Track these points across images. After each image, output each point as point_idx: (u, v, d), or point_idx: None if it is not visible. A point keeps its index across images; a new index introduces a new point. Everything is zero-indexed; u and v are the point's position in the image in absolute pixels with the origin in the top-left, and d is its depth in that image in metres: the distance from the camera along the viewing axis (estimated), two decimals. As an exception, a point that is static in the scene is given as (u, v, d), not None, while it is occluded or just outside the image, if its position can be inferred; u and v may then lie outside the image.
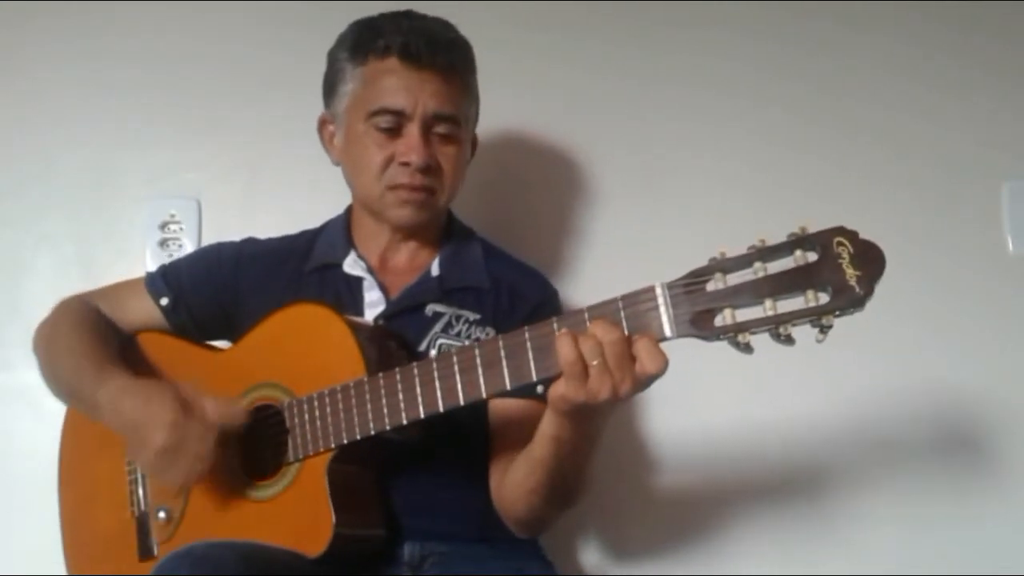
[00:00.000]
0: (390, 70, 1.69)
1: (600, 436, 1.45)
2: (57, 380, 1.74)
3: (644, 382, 1.28)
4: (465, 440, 1.61)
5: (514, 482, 1.56)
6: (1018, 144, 2.22)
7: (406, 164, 1.67)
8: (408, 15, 1.74)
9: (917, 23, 2.26)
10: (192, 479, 1.53)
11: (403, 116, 1.68)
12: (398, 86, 1.68)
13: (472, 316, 1.71)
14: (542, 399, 1.36)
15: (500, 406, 1.65)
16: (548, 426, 1.42)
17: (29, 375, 1.84)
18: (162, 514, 1.65)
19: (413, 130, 1.67)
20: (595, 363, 1.26)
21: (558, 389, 1.31)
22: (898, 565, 2.03)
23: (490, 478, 1.66)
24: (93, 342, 1.70)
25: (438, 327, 1.69)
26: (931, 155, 2.21)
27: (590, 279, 2.13)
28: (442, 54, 1.68)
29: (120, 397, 1.57)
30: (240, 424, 1.54)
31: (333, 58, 1.77)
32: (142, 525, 1.68)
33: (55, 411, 1.81)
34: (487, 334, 1.69)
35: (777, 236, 1.22)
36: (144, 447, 1.52)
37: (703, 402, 2.06)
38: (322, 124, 1.82)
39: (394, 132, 1.69)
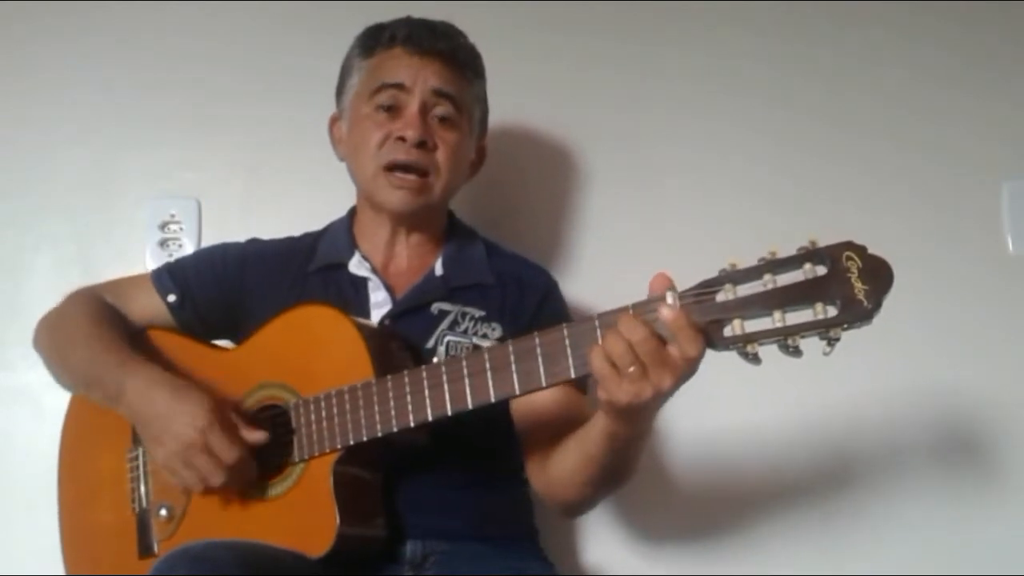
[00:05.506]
0: (394, 56, 1.76)
1: (652, 428, 1.45)
2: (69, 368, 1.73)
3: (686, 370, 1.27)
4: (470, 441, 1.60)
5: (564, 474, 1.58)
6: (1018, 144, 2.23)
7: (402, 139, 1.70)
8: (417, 18, 1.79)
9: (918, 21, 2.26)
10: (204, 485, 1.53)
11: (403, 90, 1.72)
12: (400, 65, 1.74)
13: (477, 313, 1.73)
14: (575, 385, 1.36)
15: (527, 397, 1.63)
16: (602, 425, 1.42)
17: (29, 375, 1.84)
18: (163, 512, 1.65)
19: (412, 107, 1.72)
20: (631, 370, 1.26)
21: (601, 395, 1.32)
22: (902, 565, 2.04)
23: (528, 469, 1.67)
24: (112, 330, 1.70)
25: (444, 325, 1.70)
26: (931, 155, 2.21)
27: (591, 275, 2.13)
28: (443, 40, 1.75)
29: (155, 387, 1.57)
30: (261, 440, 1.55)
31: (345, 60, 1.83)
32: (143, 523, 1.67)
33: (55, 411, 1.81)
34: (493, 329, 1.71)
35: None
36: (165, 440, 1.53)
37: (711, 403, 2.04)
38: (332, 123, 1.86)
39: (394, 112, 1.73)
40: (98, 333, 1.69)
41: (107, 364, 1.64)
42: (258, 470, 1.57)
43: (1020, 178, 2.20)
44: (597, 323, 1.31)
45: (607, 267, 2.13)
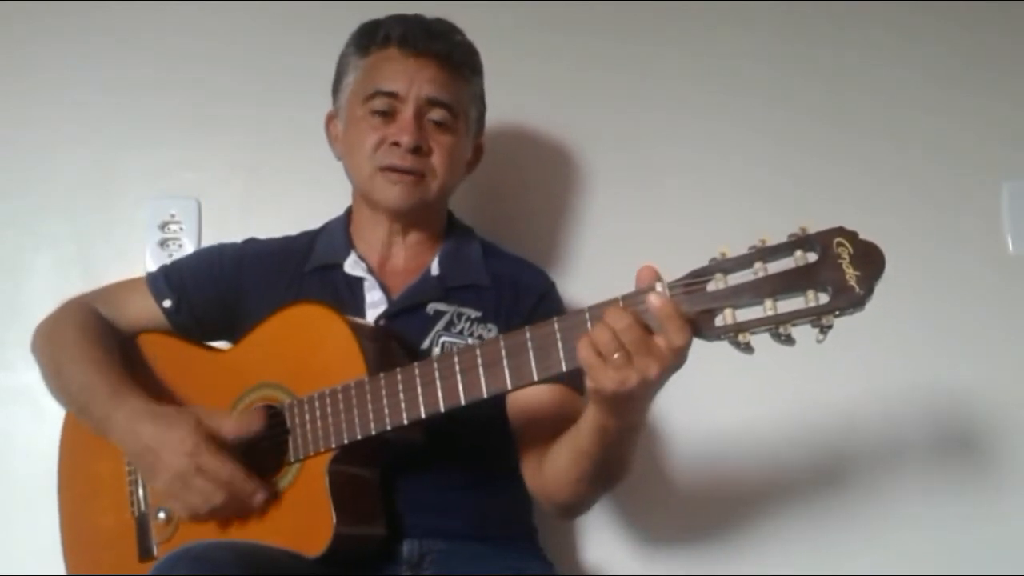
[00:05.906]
0: (389, 58, 1.74)
1: (644, 422, 1.44)
2: (64, 392, 1.73)
3: (673, 359, 1.25)
4: (467, 439, 1.60)
5: (557, 472, 1.56)
6: (1018, 144, 2.22)
7: (396, 144, 1.70)
8: (412, 15, 1.78)
9: (918, 21, 2.26)
10: (209, 506, 1.52)
11: (397, 99, 1.72)
12: (395, 70, 1.73)
13: (473, 313, 1.72)
14: (565, 381, 1.35)
15: (522, 396, 1.64)
16: (592, 418, 1.41)
17: (29, 375, 1.83)
18: (162, 514, 1.64)
19: (406, 113, 1.71)
20: (615, 357, 1.25)
21: (589, 384, 1.31)
22: (901, 565, 2.03)
23: (523, 469, 1.66)
24: (102, 355, 1.69)
25: (440, 325, 1.70)
26: (931, 155, 2.21)
27: (588, 275, 2.13)
28: (439, 42, 1.74)
29: (138, 420, 1.57)
30: (260, 428, 1.55)
31: (341, 56, 1.82)
32: (142, 525, 1.67)
33: (55, 411, 1.80)
34: (489, 330, 1.71)
35: (773, 232, 1.23)
36: (159, 471, 1.53)
37: (711, 404, 2.06)
38: (329, 120, 1.86)
39: (389, 116, 1.72)
40: (89, 357, 1.68)
41: (96, 394, 1.63)
42: (256, 471, 1.56)
43: (1020, 178, 2.20)
44: (587, 315, 1.30)
45: (607, 267, 2.11)
